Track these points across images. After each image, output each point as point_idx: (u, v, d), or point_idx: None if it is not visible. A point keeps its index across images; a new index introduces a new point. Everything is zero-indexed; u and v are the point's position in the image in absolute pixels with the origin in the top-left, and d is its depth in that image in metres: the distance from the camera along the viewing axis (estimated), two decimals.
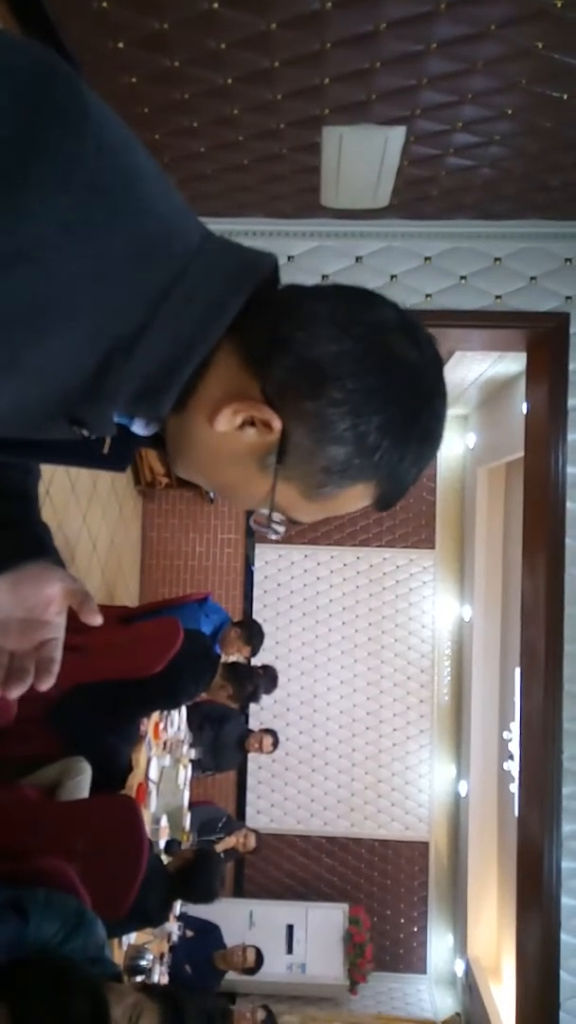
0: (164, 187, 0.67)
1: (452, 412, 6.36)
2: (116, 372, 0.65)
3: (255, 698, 3.92)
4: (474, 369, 5.02)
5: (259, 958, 4.62)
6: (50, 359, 0.63)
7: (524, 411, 3.37)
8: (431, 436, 0.71)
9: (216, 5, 1.96)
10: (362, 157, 2.61)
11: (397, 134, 2.49)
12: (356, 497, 0.72)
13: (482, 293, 3.02)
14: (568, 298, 3.01)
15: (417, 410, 0.68)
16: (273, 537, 0.77)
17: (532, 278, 3.03)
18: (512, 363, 4.70)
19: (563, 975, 2.73)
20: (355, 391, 0.65)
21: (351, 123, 2.45)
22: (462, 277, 2.89)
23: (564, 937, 2.76)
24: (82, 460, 0.78)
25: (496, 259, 3.03)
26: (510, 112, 2.35)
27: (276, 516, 0.75)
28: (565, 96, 2.24)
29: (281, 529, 0.75)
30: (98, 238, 0.59)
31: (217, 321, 0.66)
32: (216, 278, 0.66)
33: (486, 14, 1.94)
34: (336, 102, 2.34)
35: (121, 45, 2.13)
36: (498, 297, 3.03)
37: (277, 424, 0.67)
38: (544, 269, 3.03)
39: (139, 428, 0.75)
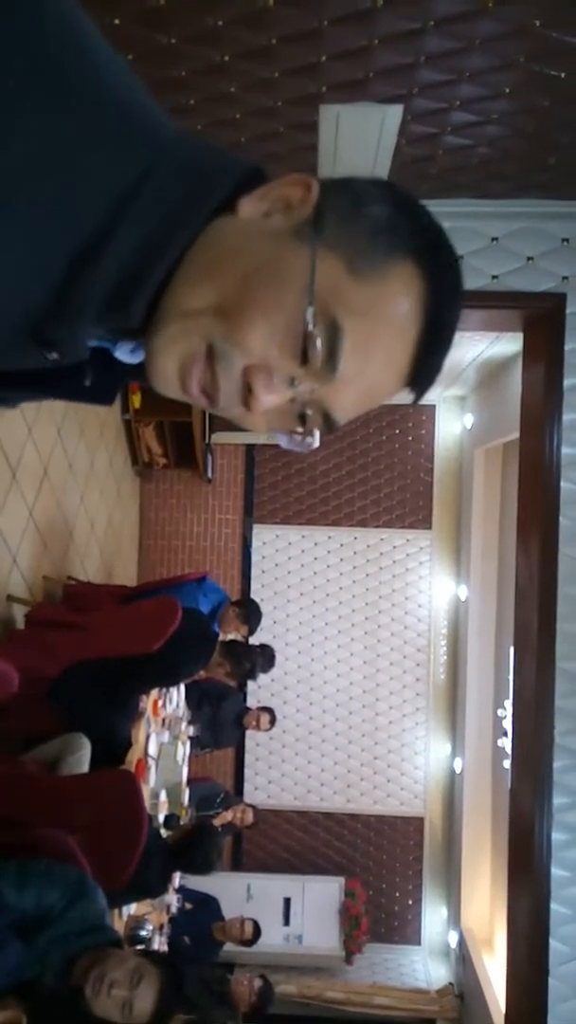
0: (128, 78, 0.60)
1: (450, 393, 6.37)
2: (82, 282, 0.58)
3: (252, 675, 3.97)
4: (472, 350, 5.02)
5: (257, 930, 4.70)
6: (11, 270, 0.56)
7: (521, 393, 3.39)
8: (456, 262, 0.65)
9: None
10: (359, 136, 2.60)
11: (394, 112, 2.48)
12: (402, 293, 0.61)
13: (479, 273, 3.02)
14: (565, 278, 3.02)
15: (443, 243, 0.64)
16: (314, 445, 0.68)
17: (529, 258, 3.03)
18: (509, 344, 4.71)
19: (553, 943, 2.81)
20: (394, 202, 0.61)
21: (348, 101, 2.44)
22: (459, 257, 2.89)
23: (554, 906, 2.83)
24: (64, 393, 0.70)
25: (493, 239, 3.03)
26: (508, 91, 2.34)
27: (309, 411, 0.64)
28: (563, 74, 2.24)
29: (315, 437, 0.66)
30: (46, 118, 0.53)
31: (192, 220, 0.60)
32: (191, 175, 0.60)
33: None
34: (333, 80, 2.33)
35: (117, 22, 2.12)
36: (495, 277, 3.03)
37: (315, 185, 0.60)
38: (541, 249, 3.03)
39: (124, 355, 0.68)
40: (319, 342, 0.59)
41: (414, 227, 0.62)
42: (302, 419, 0.66)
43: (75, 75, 0.55)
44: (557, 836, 2.87)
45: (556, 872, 2.85)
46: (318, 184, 0.60)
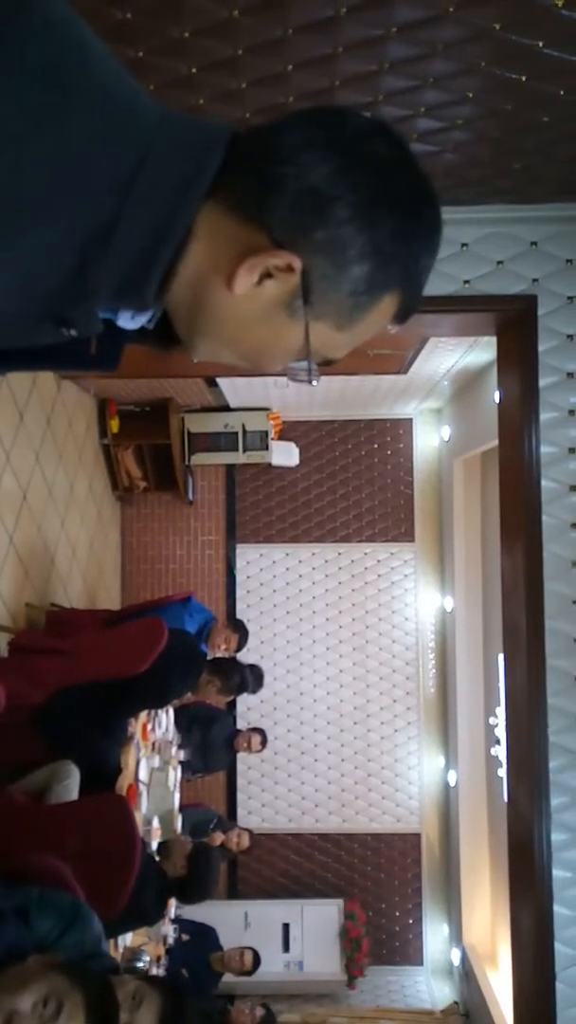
0: (115, 66, 0.65)
1: (426, 406, 6.42)
2: (96, 267, 0.64)
3: (244, 688, 3.92)
4: (446, 361, 5.07)
5: (256, 959, 4.61)
6: (26, 259, 0.61)
7: (496, 399, 3.42)
8: (435, 226, 0.71)
9: None
10: None
11: None
12: (384, 312, 0.71)
13: (450, 278, 3.06)
14: (535, 280, 3.06)
15: (418, 205, 0.68)
16: (315, 383, 0.76)
17: (499, 262, 3.07)
18: (482, 352, 4.76)
19: (557, 946, 2.77)
20: (358, 203, 0.65)
21: None
22: (430, 273, 2.93)
23: (557, 908, 2.79)
24: (71, 363, 0.76)
25: (463, 244, 3.07)
26: (471, 95, 2.38)
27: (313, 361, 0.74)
28: (524, 78, 2.28)
29: (318, 376, 0.75)
30: (56, 120, 0.58)
31: (187, 201, 0.65)
32: (181, 154, 0.65)
33: None
34: (300, 89, 2.36)
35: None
36: (466, 282, 3.07)
37: (297, 263, 0.65)
38: (511, 253, 3.07)
39: (125, 321, 0.73)
40: (316, 367, 0.75)
41: (399, 260, 0.68)
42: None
43: (74, 70, 0.59)
44: (557, 837, 2.84)
45: (557, 873, 2.82)
46: (299, 261, 0.66)
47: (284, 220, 0.65)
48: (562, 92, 2.34)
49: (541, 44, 2.12)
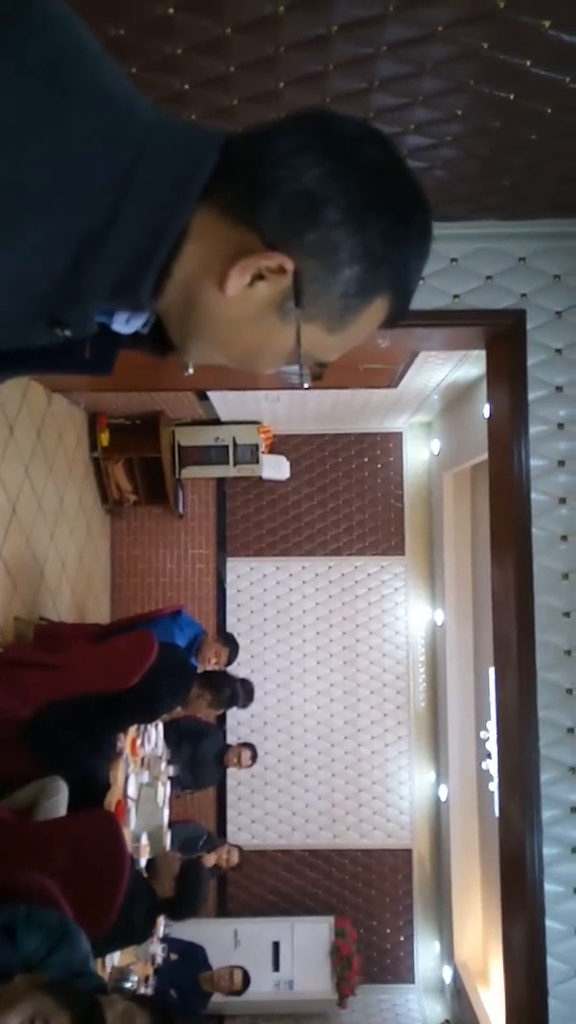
0: (112, 67, 0.66)
1: (416, 420, 6.45)
2: (91, 266, 0.64)
3: (235, 701, 3.89)
4: (436, 375, 5.10)
5: (246, 979, 4.56)
6: (23, 260, 0.61)
7: (485, 413, 3.44)
8: (426, 231, 0.71)
9: (171, 11, 1.99)
10: None
11: None
12: (374, 315, 0.72)
13: (441, 293, 3.08)
14: (524, 295, 3.09)
15: (408, 209, 0.69)
16: (306, 386, 0.77)
17: (488, 277, 3.10)
18: (472, 367, 4.79)
19: (550, 961, 2.75)
20: (350, 207, 0.65)
21: None
22: (420, 278, 2.95)
23: (549, 923, 2.77)
24: (65, 366, 0.76)
25: (453, 259, 3.10)
26: (460, 113, 2.41)
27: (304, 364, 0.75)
28: (512, 96, 2.31)
29: (309, 379, 0.76)
30: (56, 119, 0.58)
31: (183, 200, 0.65)
32: (178, 155, 0.66)
33: (433, 16, 2.00)
34: (292, 105, 2.38)
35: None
36: (456, 296, 3.09)
37: (289, 264, 0.66)
38: (500, 268, 3.11)
39: (120, 326, 0.73)
40: (307, 371, 0.75)
41: (389, 263, 0.69)
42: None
43: (74, 69, 0.60)
44: (548, 850, 2.82)
45: (549, 887, 2.80)
46: (291, 262, 0.66)
47: (276, 222, 0.66)
48: (550, 110, 2.38)
49: (529, 63, 2.15)
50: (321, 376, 0.78)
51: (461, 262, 3.11)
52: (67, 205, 0.61)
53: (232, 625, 6.35)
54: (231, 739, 5.70)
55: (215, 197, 0.66)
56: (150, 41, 2.11)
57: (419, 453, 6.61)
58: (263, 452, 6.17)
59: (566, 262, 3.10)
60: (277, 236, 0.66)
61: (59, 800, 2.88)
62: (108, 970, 3.05)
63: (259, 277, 0.67)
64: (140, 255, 0.65)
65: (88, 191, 0.61)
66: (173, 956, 4.26)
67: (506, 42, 2.08)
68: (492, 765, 4.91)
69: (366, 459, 6.60)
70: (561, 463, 3.08)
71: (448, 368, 4.92)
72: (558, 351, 3.10)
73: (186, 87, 2.29)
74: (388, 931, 6.30)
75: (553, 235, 3.09)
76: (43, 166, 0.58)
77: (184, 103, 2.36)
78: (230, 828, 6.33)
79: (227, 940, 5.68)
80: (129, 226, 0.63)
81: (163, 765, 4.09)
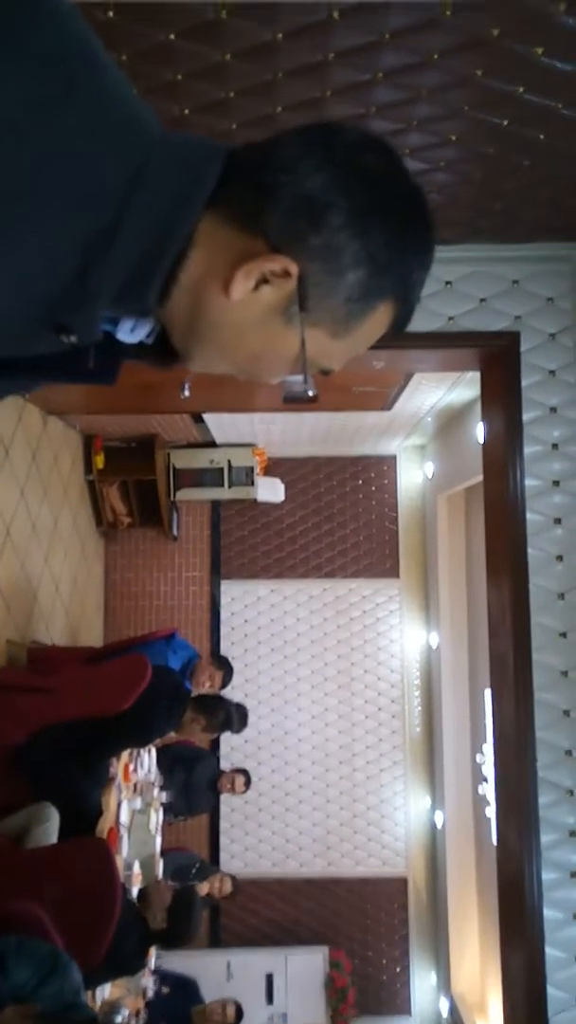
0: (115, 70, 0.66)
1: (410, 442, 6.47)
2: (97, 269, 0.64)
3: (230, 725, 3.85)
4: (429, 398, 5.12)
5: (239, 1013, 4.45)
6: (25, 260, 0.61)
7: (479, 436, 3.45)
8: (428, 240, 0.72)
9: (173, 37, 2.02)
10: None
11: None
12: (378, 322, 0.72)
13: (435, 315, 3.11)
14: (518, 317, 3.12)
15: (411, 217, 0.70)
16: (311, 393, 0.76)
17: (482, 299, 3.13)
18: (465, 390, 4.82)
19: (550, 989, 2.69)
20: (352, 211, 0.66)
21: None
22: (423, 288, 3.00)
23: (549, 951, 2.72)
24: (69, 376, 0.76)
25: (447, 282, 3.13)
26: (454, 138, 2.45)
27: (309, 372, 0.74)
28: (505, 122, 2.35)
29: (314, 389, 0.75)
30: (59, 111, 0.58)
31: (190, 206, 0.65)
32: (184, 162, 0.66)
33: (429, 43, 2.04)
34: None
35: None
36: (451, 318, 3.12)
37: (293, 268, 0.67)
38: (493, 291, 3.14)
39: (124, 335, 0.73)
40: (311, 379, 0.74)
41: (392, 270, 0.69)
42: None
43: (78, 63, 0.59)
44: (547, 875, 2.78)
45: (549, 914, 2.75)
46: (295, 266, 0.67)
47: (280, 226, 0.66)
48: (542, 136, 2.42)
49: (522, 89, 2.19)
50: (317, 399, 0.80)
51: (455, 284, 3.14)
52: (70, 203, 0.60)
53: (226, 648, 6.30)
54: (224, 764, 5.63)
55: (220, 203, 0.67)
56: (151, 66, 2.14)
57: (413, 476, 6.62)
58: (258, 475, 6.17)
59: (559, 285, 3.14)
60: (281, 240, 0.66)
61: (50, 827, 2.83)
62: (98, 1003, 2.97)
63: (264, 281, 0.67)
64: (148, 259, 0.65)
65: (91, 190, 0.61)
66: (165, 989, 4.16)
67: (500, 69, 2.12)
68: (488, 790, 4.86)
69: (360, 482, 6.61)
70: (556, 483, 3.09)
71: (442, 391, 4.95)
72: (551, 372, 3.12)
73: (186, 112, 2.32)
74: (384, 962, 6.18)
75: (546, 258, 3.13)
76: (44, 158, 0.58)
77: (183, 127, 2.39)
78: (223, 855, 6.23)
79: (220, 972, 5.56)
80: (136, 230, 0.63)
81: (156, 791, 4.03)
